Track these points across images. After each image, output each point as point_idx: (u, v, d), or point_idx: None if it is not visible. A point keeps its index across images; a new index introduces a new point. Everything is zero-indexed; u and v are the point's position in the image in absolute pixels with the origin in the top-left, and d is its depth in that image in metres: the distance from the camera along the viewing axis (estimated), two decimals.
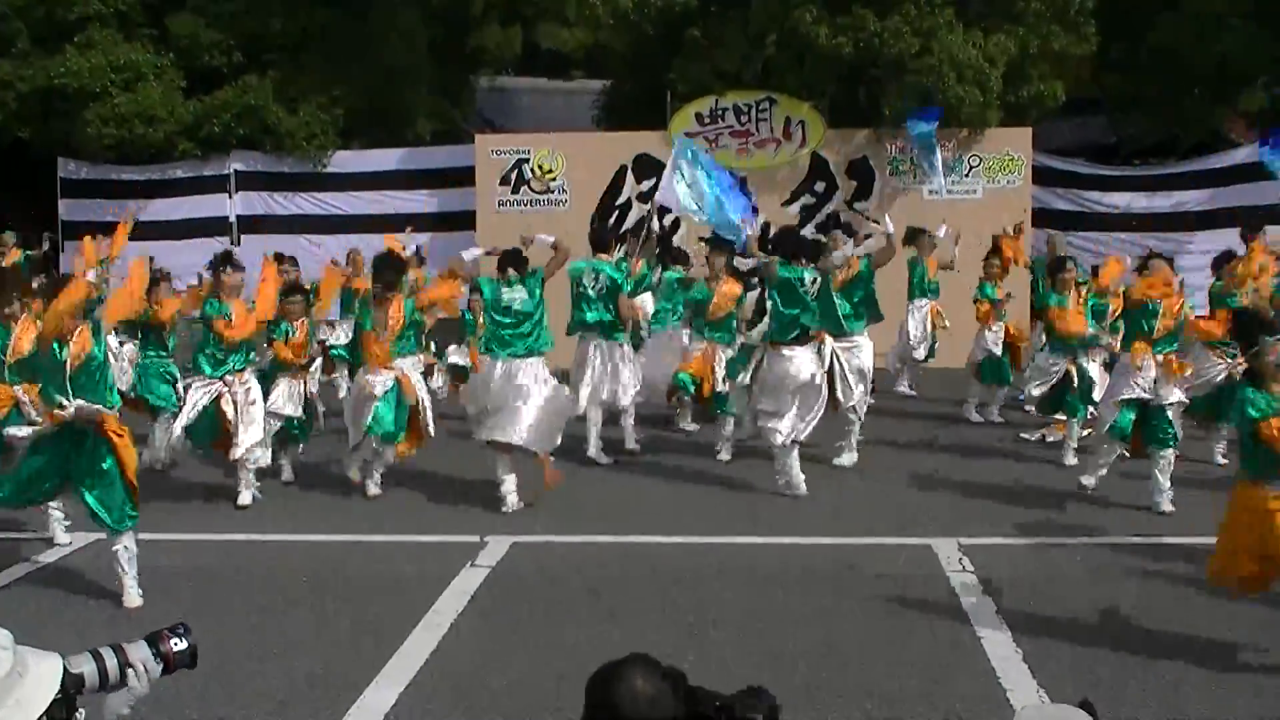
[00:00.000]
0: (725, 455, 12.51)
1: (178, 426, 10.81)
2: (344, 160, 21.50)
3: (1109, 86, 21.63)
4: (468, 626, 7.81)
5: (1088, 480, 10.91)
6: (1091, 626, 7.59)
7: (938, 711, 6.38)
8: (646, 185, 19.08)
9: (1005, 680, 6.75)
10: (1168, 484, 10.28)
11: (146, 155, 21.30)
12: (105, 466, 8.08)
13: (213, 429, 10.79)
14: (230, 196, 21.54)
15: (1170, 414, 10.34)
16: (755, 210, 14.59)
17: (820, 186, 19.23)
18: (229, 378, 10.76)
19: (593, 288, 12.38)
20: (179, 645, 3.08)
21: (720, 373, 12.59)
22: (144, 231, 21.32)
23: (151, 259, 13.53)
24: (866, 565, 8.92)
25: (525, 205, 19.29)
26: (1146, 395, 10.30)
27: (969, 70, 17.71)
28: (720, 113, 19.12)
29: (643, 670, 2.77)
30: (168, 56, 21.44)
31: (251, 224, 21.49)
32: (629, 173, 19.20)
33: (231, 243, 21.14)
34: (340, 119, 21.28)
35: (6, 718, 2.59)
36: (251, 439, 10.73)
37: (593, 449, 12.41)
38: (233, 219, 21.51)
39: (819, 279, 11.19)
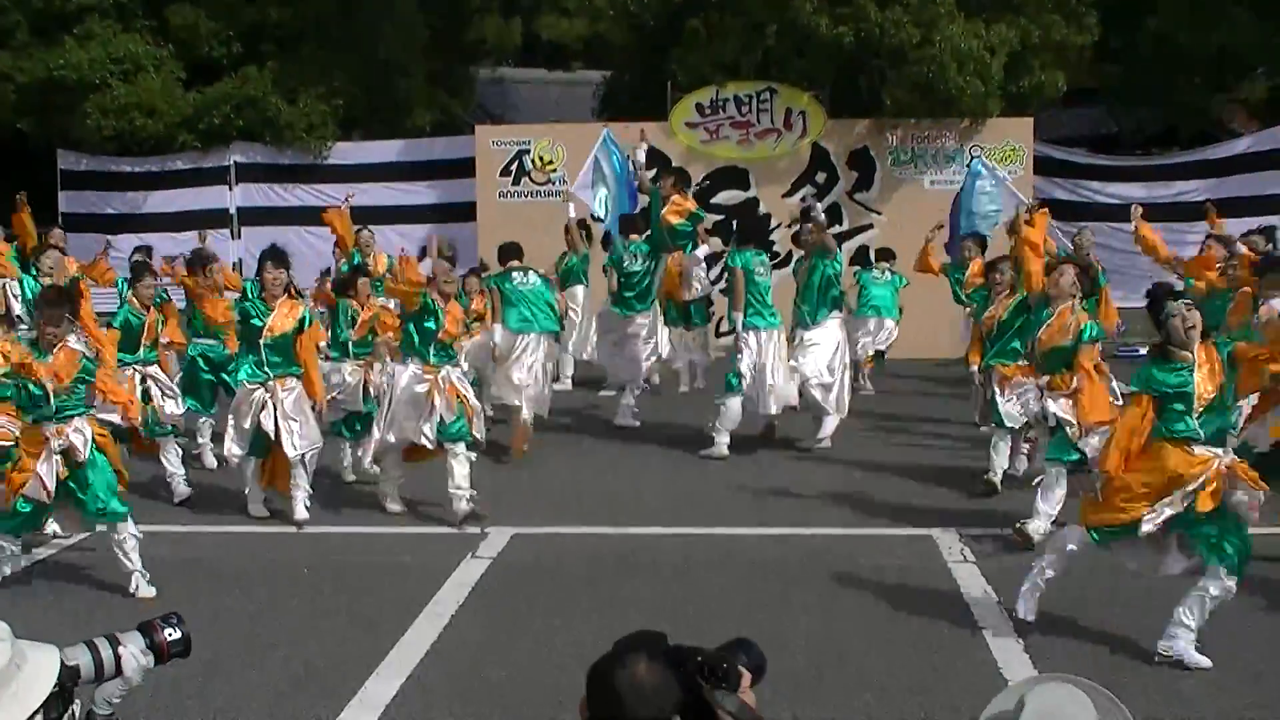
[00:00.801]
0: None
1: (231, 444, 10.10)
2: (344, 152, 21.48)
3: (1109, 76, 21.60)
4: (468, 618, 7.80)
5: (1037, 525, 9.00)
6: (1093, 616, 7.58)
7: (937, 702, 6.37)
8: (647, 176, 19.04)
9: (1006, 670, 6.74)
10: (1047, 507, 9.00)
11: (146, 147, 21.28)
12: (94, 458, 8.27)
13: (265, 442, 10.08)
14: (230, 188, 21.51)
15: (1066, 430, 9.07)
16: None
17: (821, 177, 19.20)
18: (271, 384, 10.02)
19: (637, 264, 13.22)
20: (172, 635, 3.07)
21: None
22: (144, 224, 21.39)
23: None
24: (867, 556, 8.91)
25: (526, 196, 19.25)
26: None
27: (970, 60, 17.68)
28: (721, 103, 19.09)
29: (647, 660, 2.75)
30: (167, 48, 21.41)
31: (251, 216, 21.46)
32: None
33: (232, 235, 21.15)
34: (340, 110, 21.25)
35: (1, 711, 2.58)
36: (307, 442, 10.06)
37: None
38: (233, 211, 21.49)
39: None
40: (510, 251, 12.85)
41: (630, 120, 19.92)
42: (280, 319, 10.08)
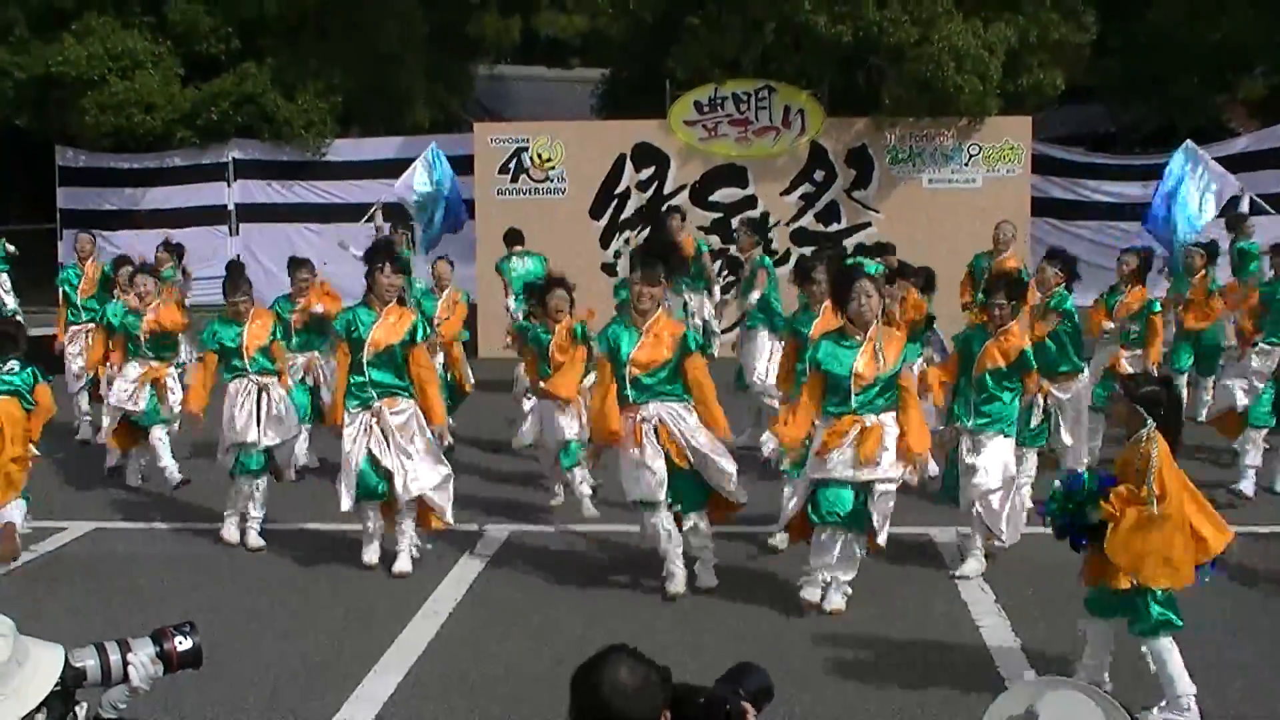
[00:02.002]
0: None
1: (341, 490, 8.61)
2: (342, 148, 21.48)
3: (1107, 74, 21.61)
4: (466, 616, 7.82)
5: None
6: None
7: (934, 699, 6.39)
8: (646, 174, 19.07)
9: (1003, 669, 6.77)
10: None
11: (144, 143, 21.28)
12: None
13: (379, 482, 8.56)
14: (229, 185, 21.51)
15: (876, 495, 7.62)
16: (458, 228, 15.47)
17: (819, 175, 19.20)
18: (377, 405, 8.53)
19: None
20: (184, 644, 3.08)
21: None
22: (142, 220, 21.40)
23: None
24: (865, 555, 8.90)
25: (524, 194, 19.25)
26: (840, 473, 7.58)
27: (968, 59, 17.69)
28: (719, 101, 19.09)
29: (627, 662, 2.77)
30: (165, 44, 21.39)
31: (250, 213, 21.47)
32: (628, 161, 19.17)
33: (230, 232, 21.15)
34: (338, 107, 21.25)
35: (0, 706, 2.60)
36: (424, 481, 8.56)
37: None
38: (231, 207, 21.49)
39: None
40: (513, 237, 14.51)
41: (629, 118, 20.00)
42: (387, 329, 8.54)
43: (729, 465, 7.97)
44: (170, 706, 6.23)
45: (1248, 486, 10.33)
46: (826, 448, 7.53)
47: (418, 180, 13.46)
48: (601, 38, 24.01)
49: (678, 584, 7.95)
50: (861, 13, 17.93)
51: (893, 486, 7.64)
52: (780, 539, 8.73)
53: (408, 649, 7.20)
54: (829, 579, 7.72)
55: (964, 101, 17.93)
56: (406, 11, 21.60)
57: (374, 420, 8.47)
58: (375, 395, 8.48)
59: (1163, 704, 6.10)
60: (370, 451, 8.44)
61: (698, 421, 7.92)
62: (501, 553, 9.13)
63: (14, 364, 8.22)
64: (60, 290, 13.73)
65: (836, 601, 7.73)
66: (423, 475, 8.52)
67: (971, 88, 17.76)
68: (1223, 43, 19.62)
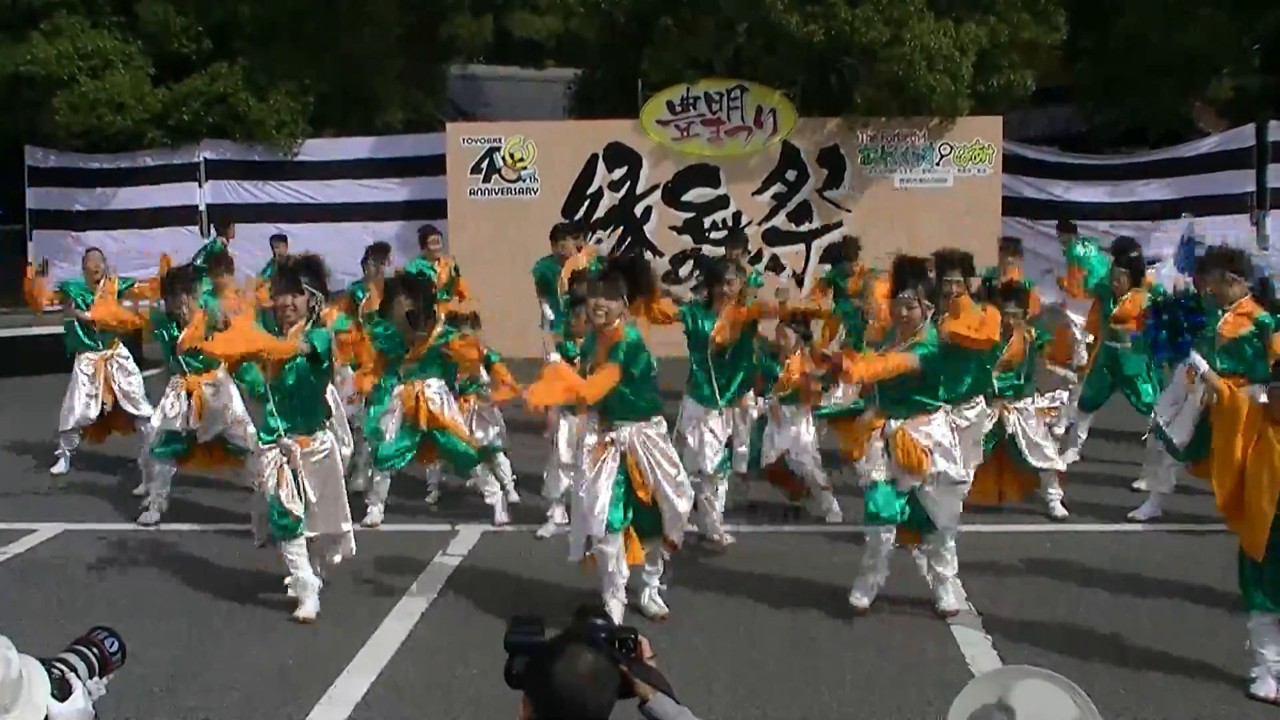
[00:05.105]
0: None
1: (255, 528, 8.03)
2: (314, 149, 21.40)
3: (1079, 75, 21.74)
4: (439, 615, 7.81)
5: None
6: (1061, 614, 7.65)
7: (908, 698, 6.42)
8: (618, 174, 19.08)
9: (974, 667, 6.79)
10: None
11: (115, 143, 21.14)
12: None
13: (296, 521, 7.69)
14: (200, 185, 21.40)
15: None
16: None
17: (791, 175, 19.24)
18: (287, 440, 7.63)
19: None
20: (113, 647, 3.26)
21: None
22: (112, 220, 21.27)
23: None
24: (840, 554, 8.93)
25: (496, 194, 19.23)
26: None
27: (940, 59, 17.75)
28: (692, 101, 19.11)
29: (584, 652, 2.78)
30: (136, 43, 21.25)
31: (222, 213, 21.36)
32: (600, 161, 19.17)
33: (201, 233, 21.05)
34: (311, 107, 21.16)
35: (21, 716, 2.85)
36: (327, 525, 7.87)
37: None
38: (202, 208, 21.37)
39: None
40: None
41: (602, 118, 20.01)
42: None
43: (684, 505, 7.49)
44: (145, 711, 6.22)
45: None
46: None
47: None
48: (574, 38, 24.01)
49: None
50: (833, 13, 17.97)
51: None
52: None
53: (380, 650, 7.19)
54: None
55: (935, 101, 18.00)
56: (380, 12, 21.53)
57: (285, 460, 7.64)
58: (281, 429, 7.63)
59: None
60: (279, 491, 7.62)
61: (665, 450, 7.46)
62: (475, 552, 9.13)
63: None
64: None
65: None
66: (327, 519, 7.85)
67: (943, 88, 17.82)
68: (1191, 47, 19.76)
